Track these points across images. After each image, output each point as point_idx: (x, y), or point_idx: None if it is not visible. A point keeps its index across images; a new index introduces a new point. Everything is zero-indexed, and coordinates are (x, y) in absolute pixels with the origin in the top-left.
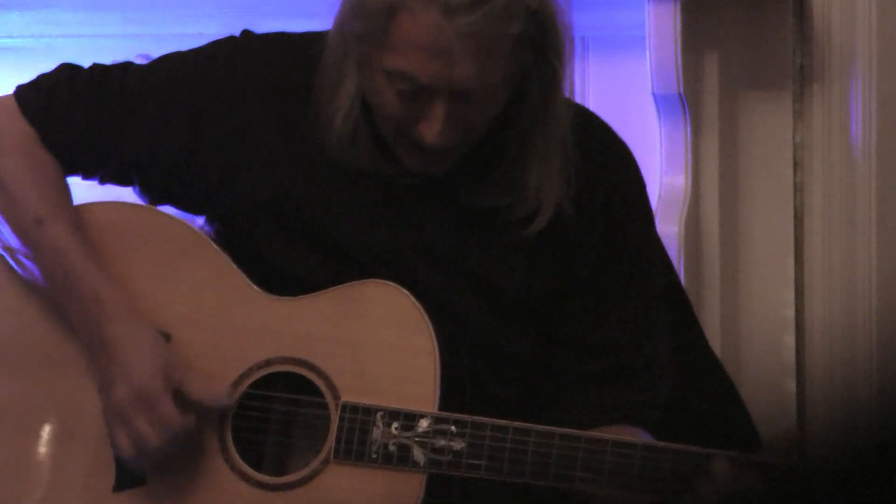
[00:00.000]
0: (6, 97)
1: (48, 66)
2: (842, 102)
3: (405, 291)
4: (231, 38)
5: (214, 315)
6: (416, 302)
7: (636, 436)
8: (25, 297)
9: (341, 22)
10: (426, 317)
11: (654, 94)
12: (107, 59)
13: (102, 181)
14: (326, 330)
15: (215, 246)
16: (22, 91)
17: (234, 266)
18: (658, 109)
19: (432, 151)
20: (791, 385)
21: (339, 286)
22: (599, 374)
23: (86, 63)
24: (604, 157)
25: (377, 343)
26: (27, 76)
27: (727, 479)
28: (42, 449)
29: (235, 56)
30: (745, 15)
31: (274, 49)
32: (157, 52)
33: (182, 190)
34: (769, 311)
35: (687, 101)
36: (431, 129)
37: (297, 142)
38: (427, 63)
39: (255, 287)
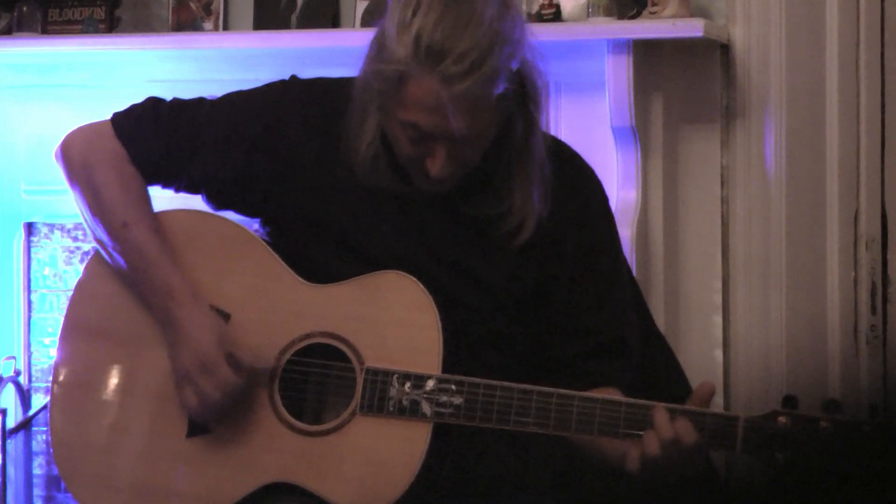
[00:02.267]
0: (104, 122)
1: None
2: (759, 133)
3: (416, 280)
4: (281, 82)
5: (264, 298)
6: (424, 288)
7: (611, 395)
8: (118, 284)
9: (364, 77)
10: (432, 300)
11: (611, 126)
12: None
13: (177, 191)
14: (353, 310)
15: (265, 244)
16: (116, 117)
17: (280, 259)
18: (615, 139)
19: (435, 180)
20: (719, 356)
21: (364, 275)
22: (582, 352)
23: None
24: (574, 177)
25: (393, 320)
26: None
27: (665, 425)
28: (130, 404)
29: (284, 96)
30: (683, 64)
31: (315, 91)
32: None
33: (239, 201)
34: (702, 297)
35: (637, 132)
36: (434, 166)
37: (331, 166)
38: (429, 118)
39: (297, 276)
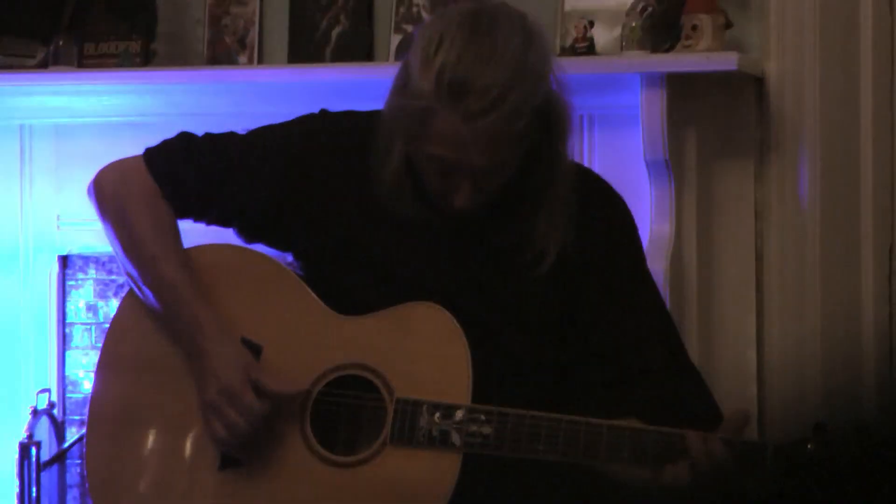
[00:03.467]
0: (136, 157)
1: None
2: (793, 167)
3: (445, 311)
4: (311, 115)
5: (296, 331)
6: (453, 319)
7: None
8: (153, 319)
9: (391, 110)
10: (462, 332)
11: (645, 160)
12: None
13: (209, 224)
14: (384, 341)
15: (296, 277)
16: (149, 152)
17: (311, 292)
18: (649, 172)
19: (461, 210)
20: (753, 389)
21: (394, 307)
22: (606, 378)
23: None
24: (602, 203)
25: (423, 351)
26: None
27: (699, 451)
28: (164, 438)
29: (315, 128)
30: (717, 98)
31: (345, 124)
32: (253, 126)
33: (270, 233)
34: (736, 331)
35: (671, 165)
36: (459, 197)
37: (362, 197)
38: (452, 152)
39: (328, 308)
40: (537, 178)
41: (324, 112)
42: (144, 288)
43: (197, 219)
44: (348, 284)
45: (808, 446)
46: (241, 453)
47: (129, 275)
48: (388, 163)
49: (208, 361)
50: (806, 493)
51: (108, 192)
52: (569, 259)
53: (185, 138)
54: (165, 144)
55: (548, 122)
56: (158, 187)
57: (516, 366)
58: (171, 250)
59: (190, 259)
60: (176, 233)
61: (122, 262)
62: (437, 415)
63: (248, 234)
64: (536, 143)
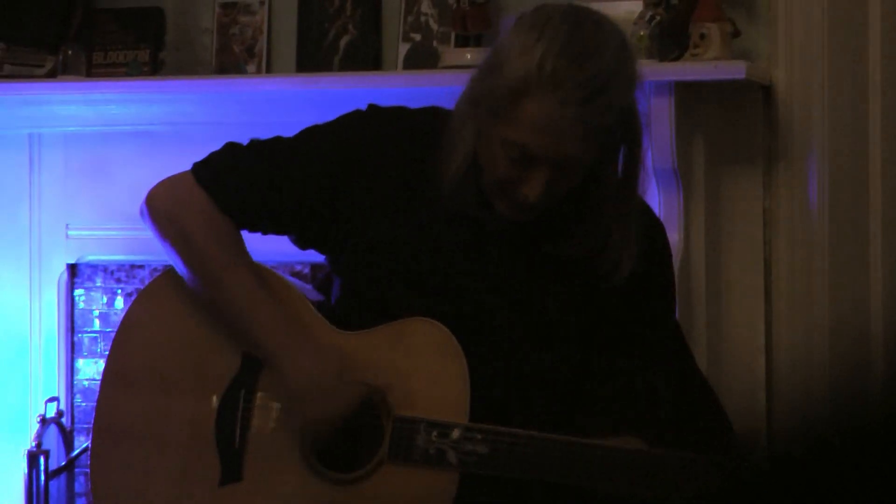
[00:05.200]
0: (185, 173)
1: (178, 147)
2: (801, 175)
3: (444, 327)
4: (358, 111)
5: None
6: (452, 336)
7: (631, 444)
8: (159, 330)
9: (470, 96)
10: (460, 348)
11: (653, 168)
12: (222, 142)
13: (265, 233)
14: (382, 358)
15: (300, 293)
16: (197, 167)
17: (314, 308)
18: (657, 180)
19: (527, 205)
20: (762, 397)
21: (392, 322)
22: (609, 394)
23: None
24: (647, 226)
25: (421, 368)
26: (161, 155)
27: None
28: (166, 452)
29: (363, 125)
30: (725, 105)
31: (394, 119)
32: (265, 136)
33: (324, 237)
34: (745, 339)
35: (680, 173)
36: (533, 189)
37: (408, 194)
38: (540, 139)
39: (329, 324)
40: (610, 187)
41: (371, 107)
42: (217, 300)
43: (252, 229)
44: (384, 288)
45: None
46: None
47: (196, 291)
48: (455, 154)
49: (306, 353)
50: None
51: (162, 210)
52: (602, 275)
53: (231, 147)
54: (212, 156)
55: (629, 129)
56: (211, 199)
57: (532, 376)
58: (237, 258)
59: (259, 268)
60: (240, 241)
61: (188, 277)
62: (434, 433)
63: (304, 239)
64: (615, 148)
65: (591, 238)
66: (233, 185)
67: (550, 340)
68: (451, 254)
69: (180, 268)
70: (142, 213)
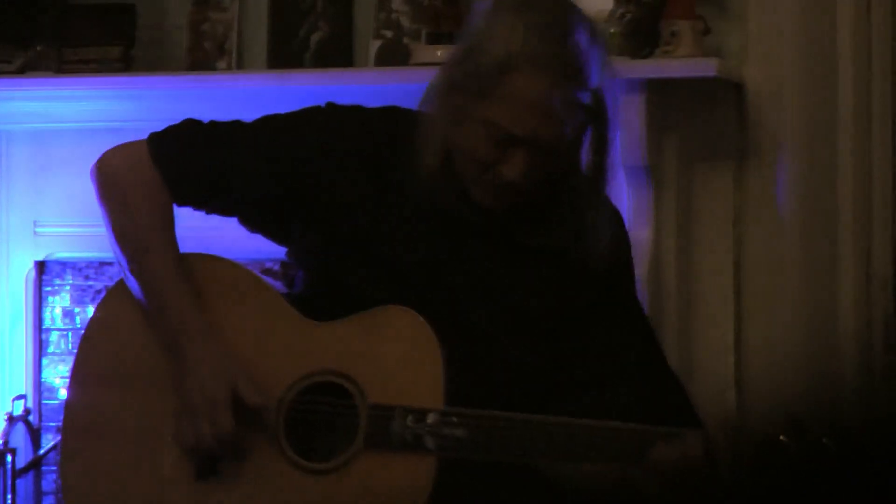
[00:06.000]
0: (140, 141)
1: None
2: (771, 173)
3: (417, 314)
4: (317, 107)
5: (267, 340)
6: (426, 323)
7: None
8: (130, 326)
9: (446, 84)
10: (434, 334)
11: (623, 165)
12: None
13: (209, 212)
14: (357, 347)
15: (269, 286)
16: (153, 137)
17: (284, 300)
18: (626, 177)
19: (506, 187)
20: (732, 395)
21: (366, 311)
22: (582, 380)
23: None
24: (610, 216)
25: (396, 355)
26: None
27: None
28: (136, 446)
29: (325, 121)
30: (696, 103)
31: (352, 117)
32: None
33: (274, 225)
34: (714, 336)
35: (651, 171)
36: (513, 169)
37: (372, 190)
38: (526, 118)
39: (301, 316)
40: (582, 174)
41: (331, 104)
42: (132, 278)
43: (197, 207)
44: (351, 278)
45: (781, 437)
46: (203, 463)
47: (119, 262)
48: (431, 144)
49: (191, 366)
50: (780, 487)
51: (109, 175)
52: (575, 265)
53: (190, 125)
54: (170, 130)
55: (604, 113)
56: (161, 173)
57: (504, 366)
58: (166, 245)
59: (183, 258)
60: (172, 225)
61: (114, 248)
62: (410, 419)
63: (251, 224)
64: (587, 131)
65: (565, 228)
66: (185, 163)
67: (525, 331)
68: (426, 245)
69: (109, 234)
70: (91, 173)
